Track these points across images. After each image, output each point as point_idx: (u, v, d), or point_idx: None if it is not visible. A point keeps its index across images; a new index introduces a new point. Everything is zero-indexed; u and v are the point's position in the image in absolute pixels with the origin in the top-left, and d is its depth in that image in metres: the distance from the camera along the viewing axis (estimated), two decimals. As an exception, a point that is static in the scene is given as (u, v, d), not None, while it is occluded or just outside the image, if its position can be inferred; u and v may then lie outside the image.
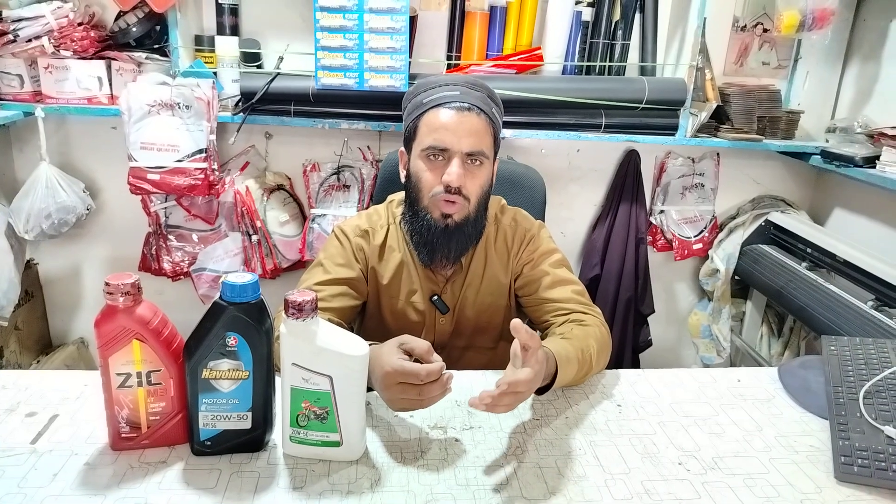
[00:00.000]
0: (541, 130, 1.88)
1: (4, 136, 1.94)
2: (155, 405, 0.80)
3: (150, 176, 1.74)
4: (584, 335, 1.05)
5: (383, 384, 0.85)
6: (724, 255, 2.14)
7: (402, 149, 1.19)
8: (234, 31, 1.86)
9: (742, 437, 0.93)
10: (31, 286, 2.04)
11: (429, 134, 1.09)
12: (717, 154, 2.15)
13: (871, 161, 1.77)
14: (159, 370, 0.79)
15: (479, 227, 1.16)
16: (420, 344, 0.86)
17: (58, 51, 1.70)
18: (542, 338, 1.16)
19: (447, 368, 0.86)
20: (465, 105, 1.08)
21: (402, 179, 1.18)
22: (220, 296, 0.77)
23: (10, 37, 1.66)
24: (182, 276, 2.00)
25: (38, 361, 2.04)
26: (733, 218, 2.22)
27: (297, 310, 0.76)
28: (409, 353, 0.86)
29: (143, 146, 1.73)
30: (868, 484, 0.82)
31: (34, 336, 2.06)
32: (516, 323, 0.82)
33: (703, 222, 2.20)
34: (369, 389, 0.89)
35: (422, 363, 0.84)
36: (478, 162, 1.09)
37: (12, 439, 0.83)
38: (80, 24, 1.72)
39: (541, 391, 0.97)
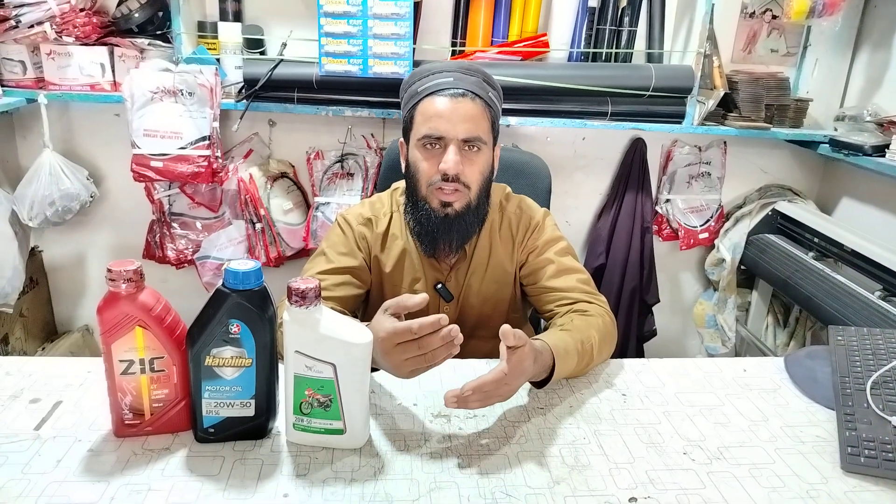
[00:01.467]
0: (546, 118, 1.87)
1: (7, 123, 1.93)
2: (158, 392, 0.80)
3: (153, 163, 1.73)
4: (586, 325, 1.04)
5: (382, 351, 0.83)
6: (731, 245, 2.13)
7: (402, 139, 1.18)
8: (237, 17, 1.85)
9: (748, 427, 0.92)
10: (36, 273, 2.04)
11: (424, 123, 1.08)
12: (725, 142, 2.13)
13: (881, 150, 1.76)
14: (162, 357, 0.78)
15: (481, 214, 1.15)
16: (399, 299, 0.86)
17: (60, 37, 1.70)
18: (546, 328, 1.15)
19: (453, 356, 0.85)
20: (460, 91, 1.07)
21: (403, 170, 1.17)
22: (223, 283, 0.76)
23: (12, 23, 1.66)
24: (186, 264, 2.00)
25: (44, 349, 2.05)
26: (740, 207, 2.20)
27: (300, 297, 0.75)
28: (397, 314, 0.86)
29: (146, 133, 1.73)
30: (875, 475, 0.81)
31: (39, 323, 2.07)
32: (505, 329, 0.81)
33: (709, 211, 2.18)
34: (376, 370, 0.89)
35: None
36: (475, 148, 1.08)
37: (16, 425, 0.83)
38: (82, 10, 1.71)
39: (540, 384, 0.96)
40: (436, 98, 1.08)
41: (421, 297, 0.86)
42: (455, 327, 0.82)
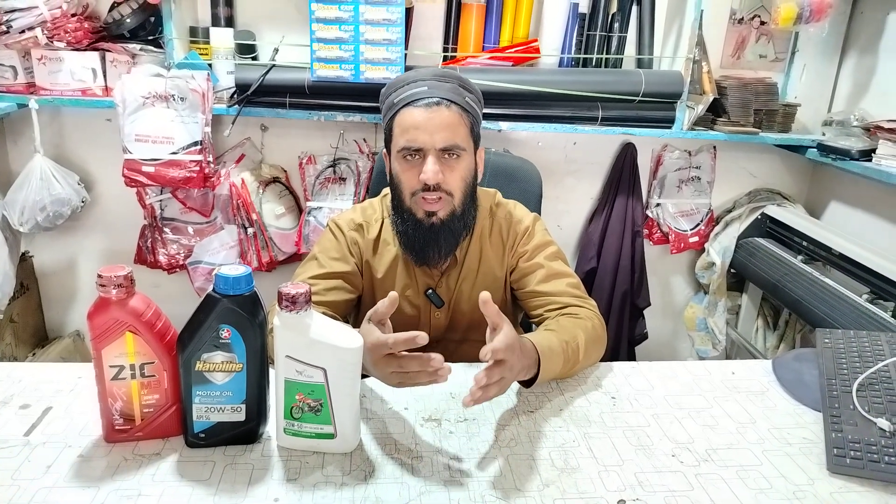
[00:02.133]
0: (537, 123, 1.88)
1: (-2, 128, 1.93)
2: (148, 397, 0.80)
3: (144, 168, 1.73)
4: (572, 325, 1.05)
5: (370, 361, 0.85)
6: (720, 249, 2.15)
7: (385, 149, 1.18)
8: (229, 22, 1.85)
9: (735, 429, 0.93)
10: (27, 279, 2.03)
11: (401, 135, 1.08)
12: (714, 147, 2.15)
13: (868, 154, 1.78)
14: (153, 362, 0.79)
15: (467, 220, 1.15)
16: (378, 305, 0.87)
17: (51, 42, 1.69)
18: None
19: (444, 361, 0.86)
20: (434, 100, 1.07)
21: (388, 180, 1.18)
22: (214, 288, 0.76)
23: (3, 28, 1.65)
24: (178, 269, 1.99)
25: (34, 354, 2.04)
26: (729, 211, 2.22)
27: (290, 302, 0.75)
28: (383, 323, 0.88)
29: (137, 138, 1.73)
30: (860, 476, 0.82)
31: (30, 329, 2.05)
32: (485, 295, 0.83)
33: (699, 215, 2.20)
34: (366, 376, 0.89)
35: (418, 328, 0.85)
36: (455, 155, 1.09)
37: (6, 431, 0.83)
38: (73, 15, 1.71)
39: (528, 384, 0.97)
40: (412, 109, 1.08)
41: (390, 299, 0.87)
42: (438, 357, 0.82)
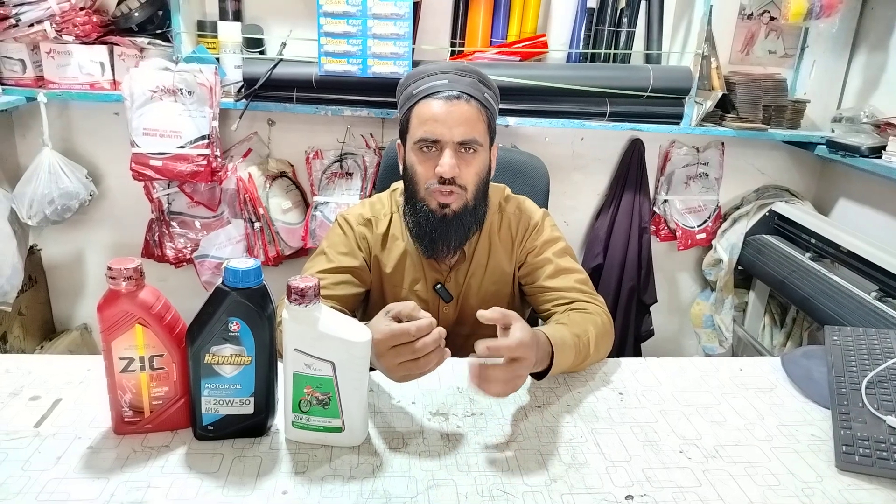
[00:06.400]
0: (545, 118, 1.87)
1: (7, 122, 1.93)
2: (158, 390, 0.80)
3: (152, 162, 1.74)
4: (582, 320, 1.05)
5: (377, 352, 0.84)
6: (728, 245, 2.14)
7: (399, 140, 1.18)
8: (237, 16, 1.85)
9: (743, 425, 0.92)
10: (35, 272, 2.04)
11: (420, 126, 1.08)
12: (722, 143, 2.14)
13: (877, 151, 1.76)
14: (162, 355, 0.79)
15: (479, 215, 1.15)
16: (404, 305, 0.86)
17: (60, 35, 1.70)
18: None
19: (451, 357, 0.86)
20: (455, 93, 1.07)
21: (401, 171, 1.18)
22: (223, 281, 0.76)
23: (12, 21, 1.66)
24: (185, 263, 2.00)
25: (42, 347, 2.05)
26: (737, 208, 2.21)
27: (299, 295, 0.75)
28: (398, 319, 0.87)
29: (145, 132, 1.73)
30: (869, 473, 0.82)
31: (38, 322, 2.07)
32: (480, 314, 0.85)
33: (706, 212, 2.19)
34: (373, 370, 0.89)
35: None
36: (472, 150, 1.09)
37: (16, 422, 0.84)
38: (82, 9, 1.71)
39: (539, 376, 0.97)
40: (431, 101, 1.08)
41: (412, 306, 0.87)
42: (443, 330, 0.84)
